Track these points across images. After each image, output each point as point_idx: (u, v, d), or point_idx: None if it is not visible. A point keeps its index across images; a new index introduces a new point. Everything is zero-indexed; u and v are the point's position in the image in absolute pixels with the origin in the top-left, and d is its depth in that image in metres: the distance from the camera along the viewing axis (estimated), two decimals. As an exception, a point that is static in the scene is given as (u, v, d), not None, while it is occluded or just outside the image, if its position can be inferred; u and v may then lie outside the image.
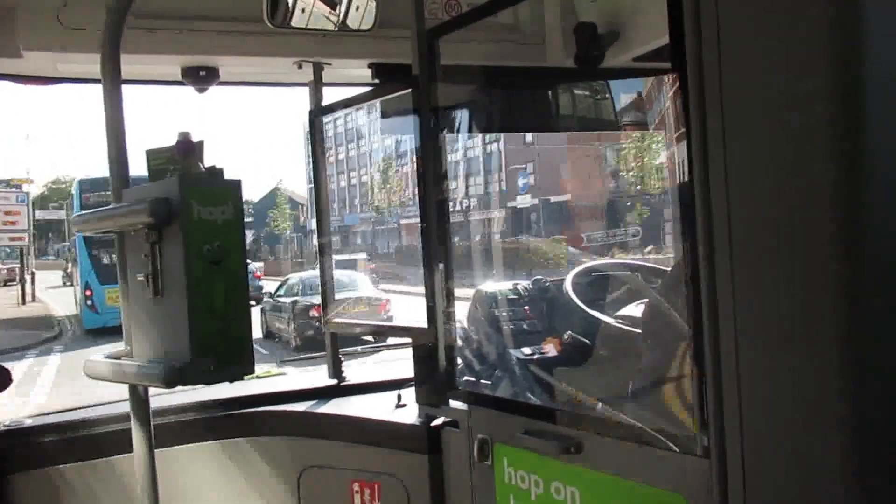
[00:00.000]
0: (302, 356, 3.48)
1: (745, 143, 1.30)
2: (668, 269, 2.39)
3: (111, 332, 14.24)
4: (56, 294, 30.13)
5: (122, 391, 1.88)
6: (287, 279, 17.93)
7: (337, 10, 2.56)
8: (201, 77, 2.62)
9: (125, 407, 1.91)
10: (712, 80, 1.32)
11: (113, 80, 1.69)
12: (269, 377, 3.23)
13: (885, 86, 1.19)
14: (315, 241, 2.18)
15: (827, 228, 1.20)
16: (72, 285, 26.24)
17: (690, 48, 1.35)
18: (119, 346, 1.72)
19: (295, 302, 15.48)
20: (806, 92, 1.22)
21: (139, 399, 1.72)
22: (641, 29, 2.48)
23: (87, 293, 19.81)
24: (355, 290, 14.19)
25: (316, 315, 13.45)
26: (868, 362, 1.21)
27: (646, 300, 2.25)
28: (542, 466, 1.95)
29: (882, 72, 1.19)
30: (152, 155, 1.65)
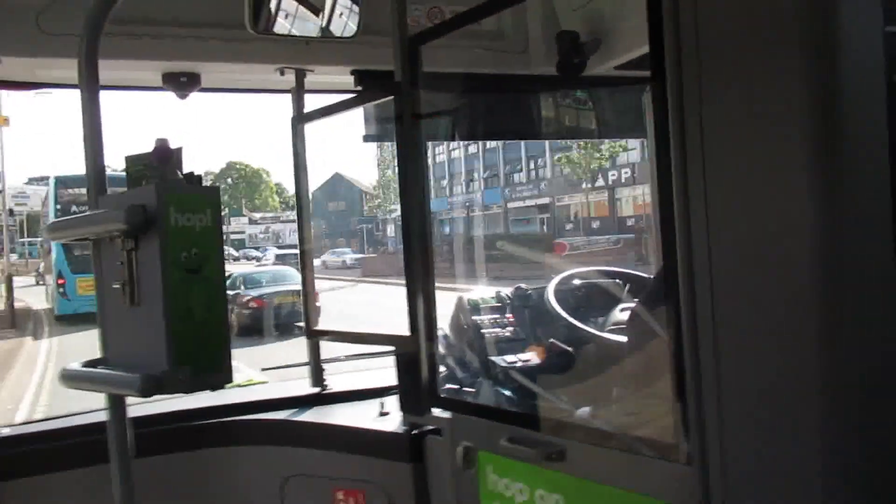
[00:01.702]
0: (283, 365, 3.44)
1: (724, 151, 1.31)
2: (651, 276, 2.40)
3: (83, 320, 15.38)
4: (30, 291, 29.99)
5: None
6: (230, 274, 19.82)
7: (320, 17, 2.56)
8: (182, 83, 2.61)
9: (101, 416, 1.88)
10: (691, 89, 1.33)
11: (91, 87, 1.67)
12: (251, 385, 3.20)
13: (860, 93, 1.21)
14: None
15: (806, 237, 1.21)
16: (44, 284, 26.65)
17: (670, 57, 1.36)
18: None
19: (237, 294, 17.17)
20: (784, 101, 1.23)
21: (116, 408, 1.70)
22: (623, 37, 2.50)
23: (60, 282, 20.51)
24: (290, 282, 16.55)
25: (255, 306, 16.88)
26: (848, 370, 1.22)
27: (628, 308, 2.25)
28: (526, 474, 1.94)
29: (858, 79, 1.20)
30: (131, 161, 1.63)
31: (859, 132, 1.21)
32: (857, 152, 1.21)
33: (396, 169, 2.33)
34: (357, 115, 2.79)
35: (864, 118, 1.22)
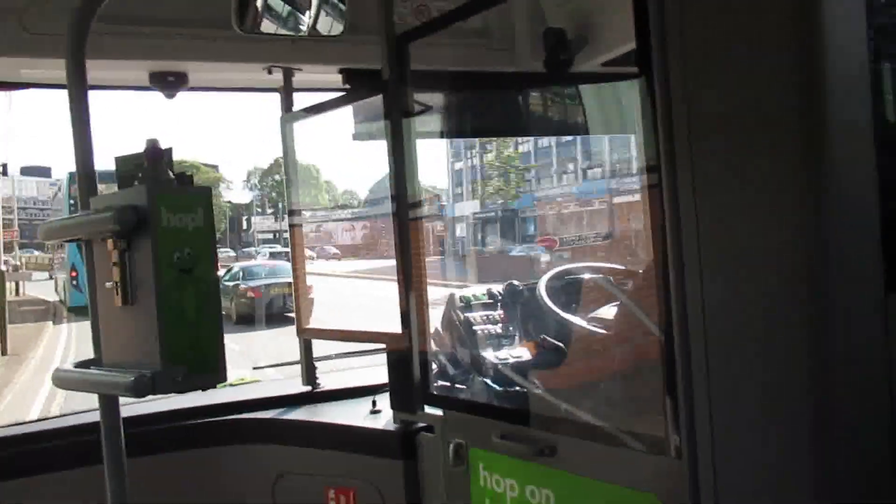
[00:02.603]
0: (275, 363, 3.44)
1: (712, 143, 1.32)
2: (640, 271, 2.41)
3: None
4: (43, 286, 30.22)
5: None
6: (231, 267, 21.51)
7: (306, 16, 2.55)
8: (169, 83, 2.60)
9: (94, 417, 1.88)
10: (678, 83, 1.34)
11: (78, 86, 1.66)
12: (243, 384, 3.20)
13: (845, 86, 1.22)
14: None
15: (793, 230, 1.22)
16: (53, 278, 27.28)
17: (656, 52, 1.37)
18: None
19: (236, 286, 18.84)
20: (771, 92, 1.24)
21: (109, 409, 1.69)
22: (610, 33, 2.51)
23: (73, 274, 21.01)
24: (287, 275, 16.44)
25: (251, 296, 18.25)
26: (835, 363, 1.23)
27: (618, 303, 2.26)
28: (517, 470, 1.95)
29: (843, 72, 1.22)
30: (122, 162, 1.63)
31: (846, 120, 1.23)
32: (844, 139, 1.23)
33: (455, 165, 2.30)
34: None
35: (849, 107, 1.23)
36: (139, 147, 1.53)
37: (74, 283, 20.83)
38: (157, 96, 2.66)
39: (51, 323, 20.82)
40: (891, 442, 1.26)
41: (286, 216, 3.04)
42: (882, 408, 1.25)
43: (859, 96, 1.24)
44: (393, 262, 2.28)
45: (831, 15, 1.21)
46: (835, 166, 1.22)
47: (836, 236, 1.23)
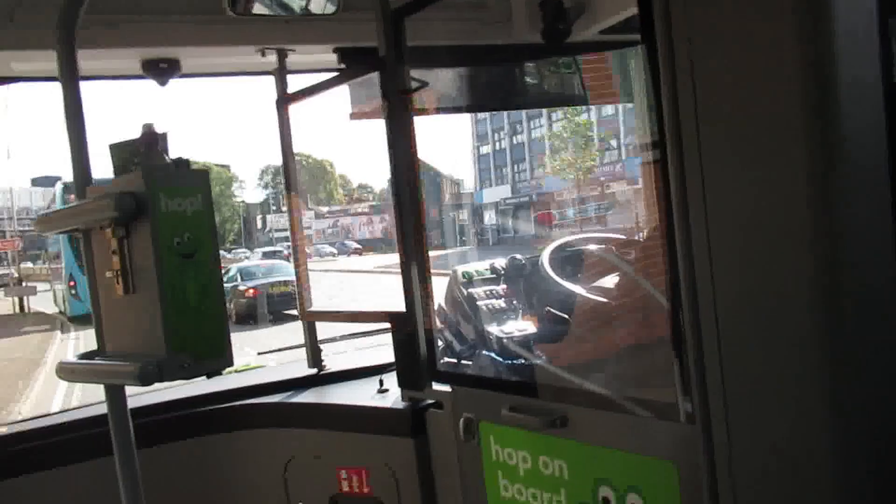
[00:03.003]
0: (278, 348, 3.44)
1: (717, 113, 1.30)
2: (643, 239, 2.39)
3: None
4: (42, 298, 30.10)
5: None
6: (228, 269, 21.88)
7: (299, -5, 2.52)
8: (162, 70, 2.57)
9: (101, 409, 1.88)
10: (682, 51, 1.31)
11: (71, 77, 1.65)
12: (248, 370, 3.20)
13: (854, 52, 1.20)
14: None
15: (802, 195, 1.21)
16: (51, 289, 26.94)
17: (659, 18, 1.34)
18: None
19: (235, 286, 19.31)
20: (778, 57, 1.21)
21: (116, 399, 1.69)
22: (608, 0, 2.47)
23: (71, 283, 21.03)
24: (285, 274, 18.59)
25: (250, 296, 18.71)
26: (846, 322, 1.22)
27: (622, 271, 2.25)
28: (528, 442, 1.95)
29: (852, 38, 1.19)
30: (116, 149, 1.61)
31: (855, 88, 1.20)
32: (854, 112, 1.21)
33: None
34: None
35: (859, 75, 1.21)
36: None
37: (73, 292, 20.81)
38: (164, 95, 2.64)
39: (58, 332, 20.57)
40: None
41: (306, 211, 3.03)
42: (893, 372, 1.25)
43: (868, 63, 1.22)
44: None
45: None
46: (844, 133, 1.20)
47: (846, 203, 1.21)
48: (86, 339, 16.45)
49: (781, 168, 1.23)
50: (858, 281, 1.23)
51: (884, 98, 1.22)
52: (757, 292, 1.28)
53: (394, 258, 2.32)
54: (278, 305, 17.34)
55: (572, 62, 3.00)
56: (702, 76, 1.30)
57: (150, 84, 2.65)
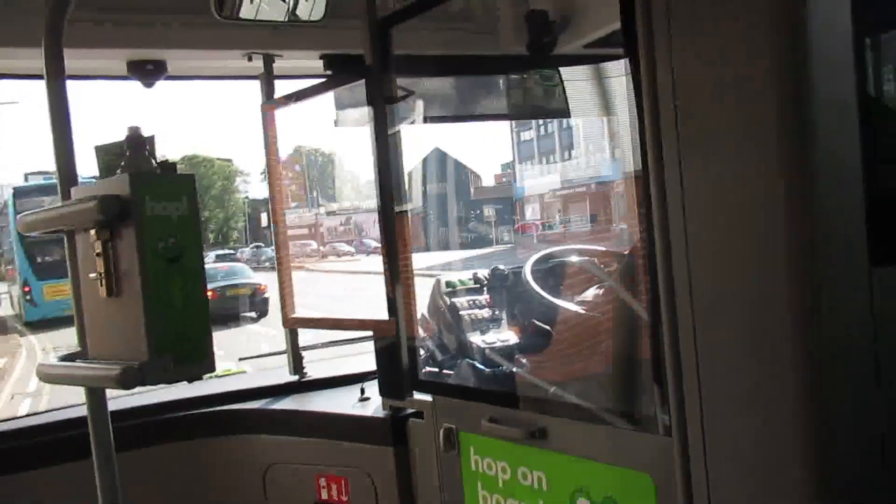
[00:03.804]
0: (261, 354, 3.42)
1: (697, 125, 1.32)
2: (625, 252, 2.41)
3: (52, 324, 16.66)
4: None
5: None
6: None
7: (286, 1, 2.52)
8: (148, 71, 2.56)
9: (80, 412, 1.86)
10: (664, 64, 1.34)
11: (57, 76, 1.64)
12: (229, 375, 3.18)
13: (830, 65, 1.22)
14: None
15: (780, 207, 1.23)
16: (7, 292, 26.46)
17: (641, 32, 1.37)
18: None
19: None
20: (756, 72, 1.24)
21: (97, 402, 1.68)
22: (592, 15, 2.50)
23: (26, 289, 20.70)
24: (244, 277, 18.58)
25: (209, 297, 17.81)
26: (822, 336, 1.24)
27: (604, 284, 2.27)
28: (508, 453, 1.96)
29: (828, 51, 1.22)
30: (102, 151, 1.60)
31: (830, 100, 1.23)
32: (827, 116, 1.23)
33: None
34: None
35: (833, 87, 1.23)
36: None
37: (28, 297, 20.53)
38: (168, 88, 2.63)
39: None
40: (877, 414, 1.28)
41: (315, 208, 3.00)
42: (868, 379, 1.27)
43: (843, 76, 1.25)
44: (444, 256, 2.26)
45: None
46: (820, 144, 1.22)
47: (822, 212, 1.23)
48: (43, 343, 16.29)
49: (759, 182, 1.25)
50: (834, 299, 1.25)
51: (858, 112, 1.25)
52: (735, 307, 1.30)
53: (417, 258, 2.31)
54: (237, 308, 17.23)
55: (556, 74, 3.02)
56: (682, 89, 1.32)
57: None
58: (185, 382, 1.72)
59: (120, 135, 1.51)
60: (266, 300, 17.89)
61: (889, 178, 1.36)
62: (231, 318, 16.46)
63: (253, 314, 17.82)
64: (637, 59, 1.38)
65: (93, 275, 1.48)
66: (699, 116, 1.32)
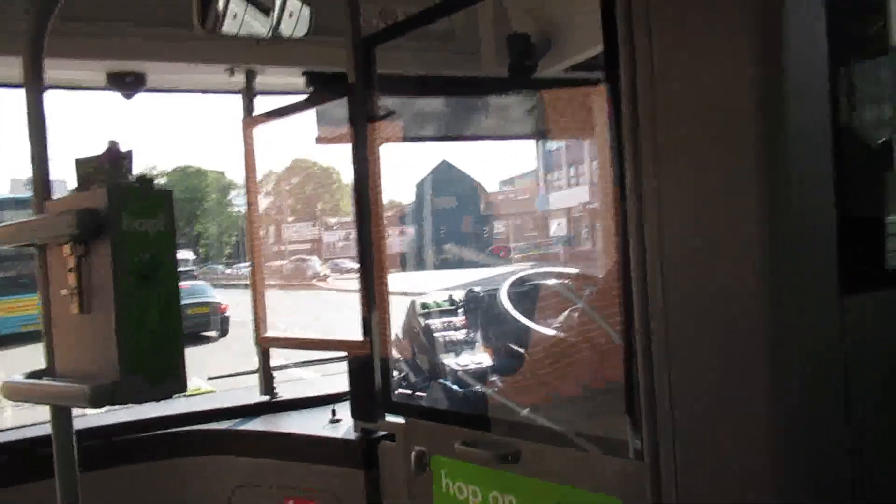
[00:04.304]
0: (231, 373, 3.38)
1: (677, 151, 1.33)
2: (600, 276, 2.43)
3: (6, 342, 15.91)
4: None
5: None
6: None
7: (270, 17, 2.51)
8: (127, 83, 2.54)
9: (45, 430, 1.82)
10: (645, 89, 1.35)
11: (36, 86, 1.61)
12: (199, 395, 3.14)
13: (804, 95, 1.25)
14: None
15: (754, 236, 1.24)
16: None
17: (623, 57, 1.38)
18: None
19: None
20: (734, 103, 1.26)
21: (62, 421, 1.64)
22: (574, 39, 2.53)
23: None
24: (204, 296, 18.27)
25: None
26: (793, 363, 1.25)
27: (579, 307, 2.28)
28: (479, 476, 1.95)
29: (802, 81, 1.24)
30: (81, 164, 1.58)
31: (803, 129, 1.25)
32: (802, 147, 1.25)
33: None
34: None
35: (807, 117, 1.26)
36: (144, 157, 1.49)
37: None
38: (159, 99, 2.59)
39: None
40: (847, 442, 1.29)
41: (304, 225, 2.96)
42: (838, 407, 1.28)
43: (817, 105, 1.27)
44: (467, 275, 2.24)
45: (791, 24, 1.23)
46: (793, 172, 1.24)
47: (794, 240, 1.25)
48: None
49: (735, 209, 1.27)
50: (805, 327, 1.26)
51: (832, 141, 1.27)
52: (708, 334, 1.31)
53: (424, 275, 2.30)
54: (196, 327, 17.01)
55: (537, 97, 3.05)
56: (662, 114, 1.34)
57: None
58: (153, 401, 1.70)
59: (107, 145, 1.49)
60: (227, 319, 17.76)
61: (860, 206, 1.38)
62: (190, 338, 16.24)
63: (213, 333, 17.67)
64: (618, 83, 1.39)
65: (64, 291, 1.45)
66: (679, 142, 1.33)
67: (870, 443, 1.31)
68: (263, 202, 2.85)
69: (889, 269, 1.42)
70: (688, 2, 1.31)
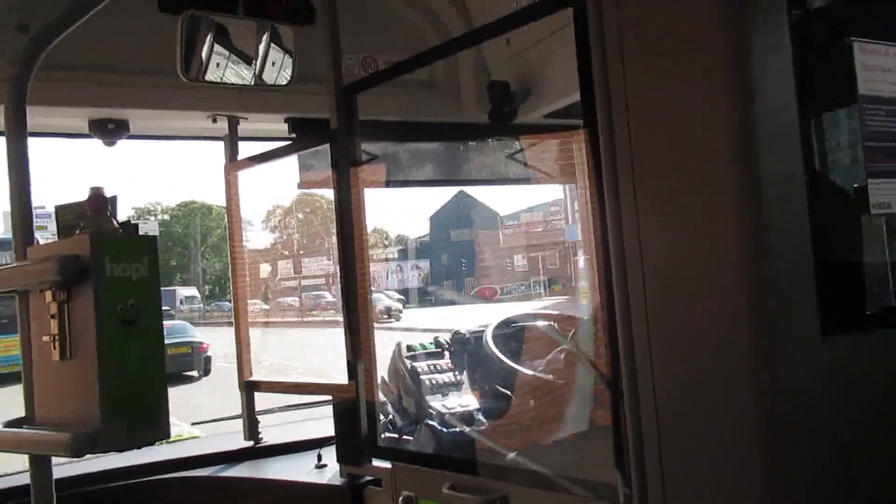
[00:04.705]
0: (216, 418, 3.33)
1: (654, 197, 1.36)
2: (586, 318, 2.43)
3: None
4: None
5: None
6: None
7: (252, 65, 2.55)
8: (110, 130, 2.55)
9: (23, 479, 1.78)
10: (622, 137, 1.38)
11: (18, 133, 1.62)
12: (181, 441, 3.08)
13: (775, 143, 1.28)
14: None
15: (736, 277, 1.26)
16: None
17: (600, 106, 1.41)
18: None
19: None
20: (708, 143, 1.29)
21: (42, 470, 1.61)
22: (552, 87, 2.58)
23: None
24: (184, 335, 17.89)
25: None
26: (779, 409, 1.26)
27: (564, 350, 2.28)
28: None
29: (773, 127, 1.28)
30: (62, 210, 1.58)
31: (778, 172, 1.28)
32: (778, 195, 1.28)
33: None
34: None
35: (780, 160, 1.28)
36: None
37: None
38: None
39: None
40: (835, 481, 1.29)
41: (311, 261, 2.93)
42: (824, 448, 1.29)
43: (790, 152, 1.30)
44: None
45: (760, 73, 1.27)
46: (769, 217, 1.26)
47: (773, 285, 1.26)
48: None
49: (714, 255, 1.28)
50: (788, 368, 1.27)
51: (807, 186, 1.30)
52: (693, 378, 1.32)
53: (444, 311, 2.27)
54: (178, 366, 16.71)
55: (517, 142, 3.09)
56: (640, 161, 1.36)
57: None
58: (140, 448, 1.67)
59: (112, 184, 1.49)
60: (208, 358, 17.58)
61: (837, 249, 1.41)
62: (171, 378, 15.97)
63: (195, 373, 17.46)
64: (596, 130, 1.42)
65: (46, 337, 1.44)
66: (656, 189, 1.36)
67: (855, 483, 1.31)
68: (269, 238, 2.85)
69: (869, 311, 1.45)
70: (660, 52, 1.35)
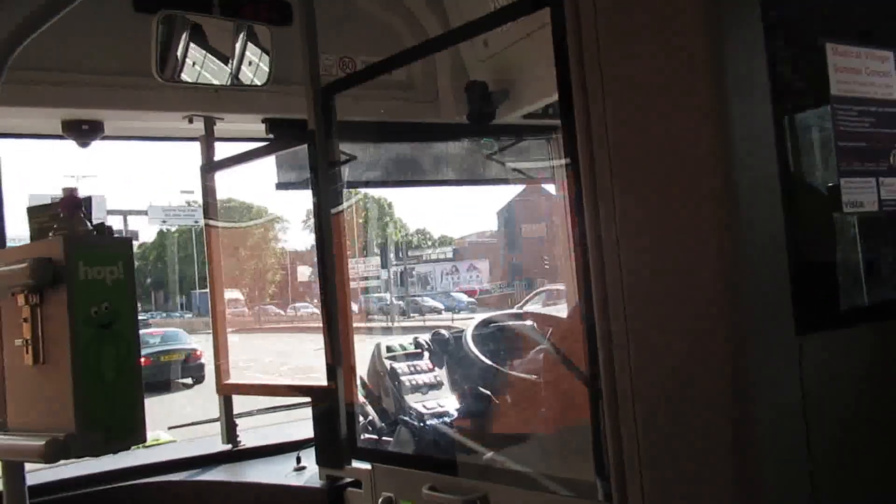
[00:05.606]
0: (192, 421, 3.30)
1: (634, 193, 1.36)
2: (564, 317, 2.45)
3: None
4: None
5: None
6: None
7: (229, 65, 2.53)
8: (84, 131, 2.52)
9: None
10: (600, 136, 1.38)
11: None
12: (158, 445, 3.05)
13: (750, 144, 1.29)
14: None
15: (712, 278, 1.27)
16: None
17: (578, 107, 1.42)
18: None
19: None
20: (689, 140, 1.30)
21: (15, 477, 1.58)
22: (530, 88, 2.58)
23: None
24: (179, 342, 17.83)
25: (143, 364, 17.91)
26: (755, 407, 1.27)
27: (543, 348, 2.29)
28: None
29: (749, 126, 1.29)
30: (34, 213, 1.55)
31: (752, 178, 1.29)
32: (754, 187, 1.29)
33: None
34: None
35: (755, 168, 1.30)
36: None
37: None
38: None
39: None
40: (807, 480, 1.31)
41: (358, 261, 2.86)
42: (799, 446, 1.30)
43: (765, 154, 1.31)
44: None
45: (734, 76, 1.28)
46: (745, 218, 1.27)
47: (749, 284, 1.28)
48: None
49: (690, 255, 1.29)
50: (763, 367, 1.28)
51: (781, 186, 1.32)
52: (670, 378, 1.33)
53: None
54: (171, 374, 16.58)
55: (495, 143, 3.10)
56: (618, 160, 1.37)
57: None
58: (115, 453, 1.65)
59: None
60: (202, 366, 17.55)
61: (810, 248, 1.42)
62: (164, 385, 15.80)
63: (188, 380, 17.35)
64: (573, 130, 1.43)
65: (18, 341, 1.42)
66: (633, 191, 1.36)
67: (829, 481, 1.32)
68: (308, 240, 2.79)
69: (843, 309, 1.46)
70: (637, 53, 1.36)
